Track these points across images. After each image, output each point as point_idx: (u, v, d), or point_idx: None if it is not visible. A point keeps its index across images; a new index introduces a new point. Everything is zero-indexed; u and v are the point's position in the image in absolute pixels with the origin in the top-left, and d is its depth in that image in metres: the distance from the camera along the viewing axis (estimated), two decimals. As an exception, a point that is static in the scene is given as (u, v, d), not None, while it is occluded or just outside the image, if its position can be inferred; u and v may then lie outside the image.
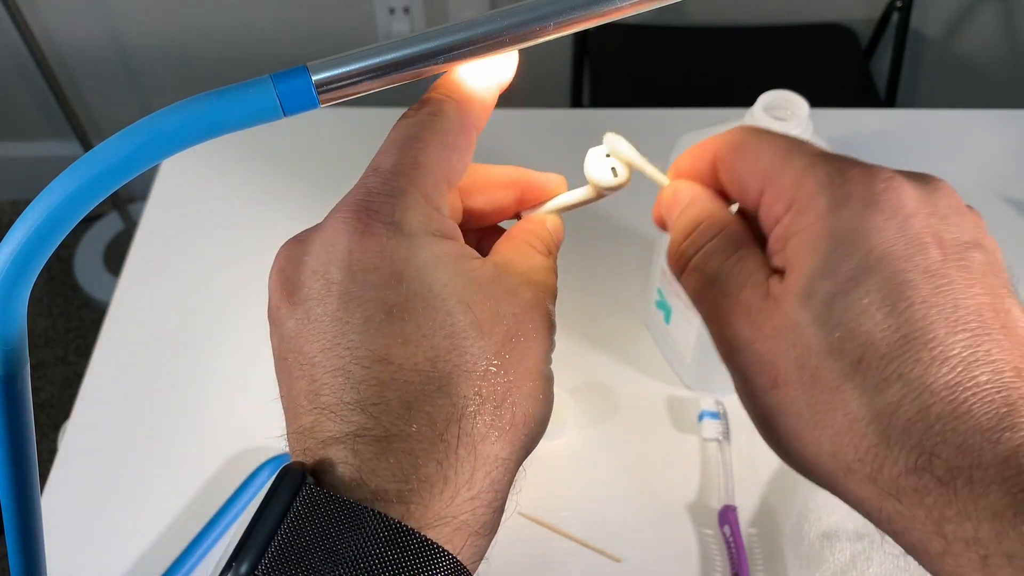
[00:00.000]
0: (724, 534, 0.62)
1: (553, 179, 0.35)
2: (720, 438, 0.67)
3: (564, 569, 0.62)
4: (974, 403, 0.23)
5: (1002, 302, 0.25)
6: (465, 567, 0.25)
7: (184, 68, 1.64)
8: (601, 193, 0.34)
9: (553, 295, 0.30)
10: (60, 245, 0.25)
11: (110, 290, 0.78)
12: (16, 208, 1.87)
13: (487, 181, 0.33)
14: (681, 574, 0.62)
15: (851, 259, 0.25)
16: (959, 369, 0.24)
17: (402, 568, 0.24)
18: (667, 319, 0.68)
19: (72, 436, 0.69)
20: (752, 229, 0.29)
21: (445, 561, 0.24)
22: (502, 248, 0.31)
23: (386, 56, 0.26)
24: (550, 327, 0.29)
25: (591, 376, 0.71)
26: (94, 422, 0.69)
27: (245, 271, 0.78)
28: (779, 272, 0.27)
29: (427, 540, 0.24)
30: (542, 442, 0.73)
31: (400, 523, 0.24)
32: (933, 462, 0.23)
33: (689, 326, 0.65)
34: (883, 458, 0.24)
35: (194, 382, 0.72)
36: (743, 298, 0.27)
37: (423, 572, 0.24)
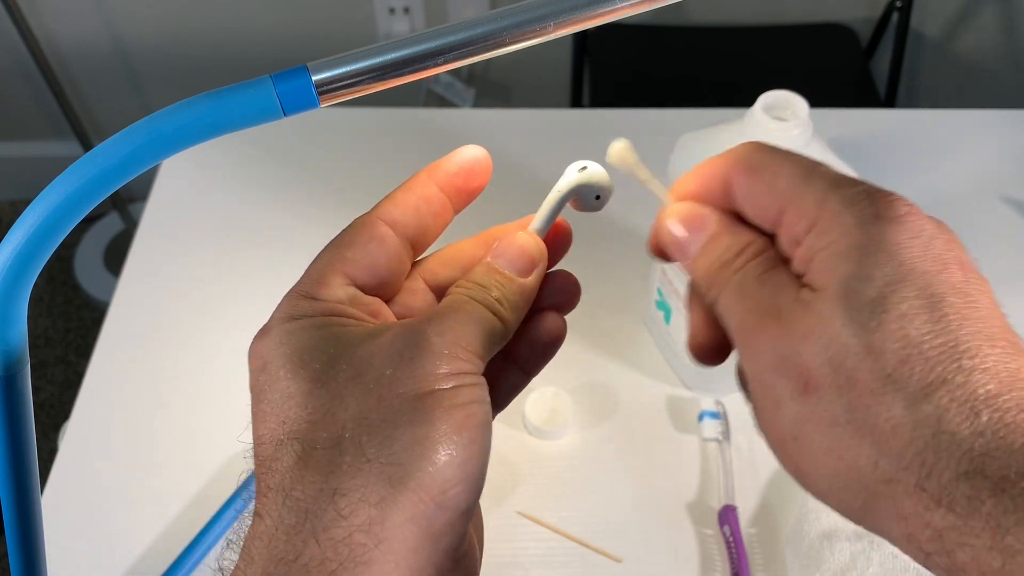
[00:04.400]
0: (724, 534, 0.62)
1: (526, 221, 0.33)
2: (720, 438, 0.67)
3: (564, 569, 0.62)
4: (1018, 414, 0.23)
5: (1010, 327, 0.26)
6: None
7: (184, 68, 1.64)
8: (576, 199, 0.33)
9: (469, 324, 0.29)
10: (60, 245, 0.25)
11: (110, 290, 0.78)
12: (16, 208, 1.87)
13: (454, 253, 0.33)
14: (681, 574, 0.62)
15: (885, 267, 0.25)
16: (998, 380, 0.24)
17: None
18: (667, 319, 0.68)
19: (72, 436, 0.69)
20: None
21: None
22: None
23: (386, 56, 0.26)
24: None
25: (591, 376, 0.71)
26: (94, 422, 0.69)
27: (245, 270, 0.78)
28: (807, 286, 0.27)
29: None
30: (543, 442, 0.73)
31: None
32: (986, 466, 0.23)
33: (689, 326, 0.65)
34: (932, 464, 0.23)
35: (194, 382, 0.72)
36: (775, 303, 0.27)
37: None
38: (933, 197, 0.83)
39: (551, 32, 0.27)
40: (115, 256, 1.75)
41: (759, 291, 0.28)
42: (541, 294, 0.32)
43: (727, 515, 0.63)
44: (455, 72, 1.60)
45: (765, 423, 0.27)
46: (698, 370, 0.68)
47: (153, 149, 0.25)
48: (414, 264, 0.33)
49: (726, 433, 0.67)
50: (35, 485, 0.32)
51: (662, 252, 0.32)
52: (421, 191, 0.31)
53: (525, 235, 0.32)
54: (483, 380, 0.28)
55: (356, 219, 0.31)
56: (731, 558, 0.61)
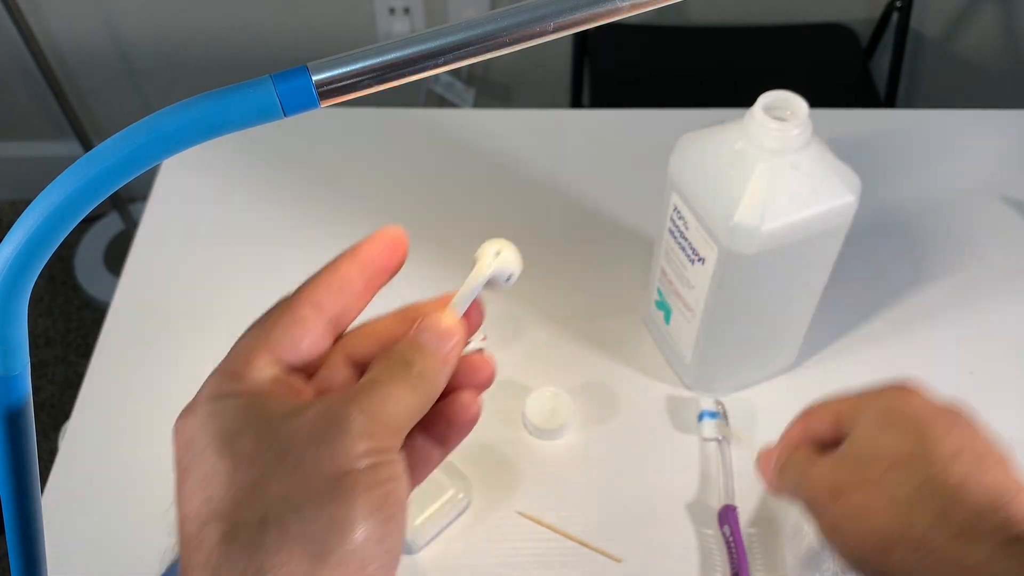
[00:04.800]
0: (724, 534, 0.62)
1: (446, 299, 0.34)
2: (720, 438, 0.67)
3: (564, 569, 0.62)
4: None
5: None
6: None
7: (185, 68, 1.64)
8: (490, 280, 0.34)
9: (384, 399, 0.30)
10: (61, 245, 0.25)
11: (111, 290, 0.78)
12: (16, 208, 1.87)
13: (374, 329, 0.35)
14: (681, 574, 0.62)
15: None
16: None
17: None
18: (667, 319, 0.69)
19: (72, 436, 0.69)
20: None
21: None
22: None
23: (386, 56, 0.26)
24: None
25: (591, 376, 0.71)
26: (94, 422, 0.69)
27: (245, 270, 0.79)
28: None
29: None
30: (543, 442, 0.73)
31: None
32: None
33: (689, 326, 0.65)
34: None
35: (194, 382, 0.71)
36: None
37: None
38: (933, 197, 0.83)
39: (551, 32, 0.27)
40: (115, 256, 1.75)
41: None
42: (457, 373, 0.33)
43: (727, 515, 0.63)
44: (455, 72, 1.60)
45: (829, 512, 0.46)
46: (698, 370, 0.68)
47: (153, 149, 0.25)
48: (336, 339, 0.34)
49: (726, 433, 0.67)
50: (35, 485, 0.32)
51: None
52: (344, 273, 0.33)
53: (446, 314, 0.33)
54: (400, 457, 0.29)
55: (280, 300, 0.32)
56: (731, 558, 0.61)
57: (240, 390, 0.30)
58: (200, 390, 0.31)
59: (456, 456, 0.42)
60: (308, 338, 0.32)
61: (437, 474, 0.48)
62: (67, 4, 1.54)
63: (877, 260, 0.78)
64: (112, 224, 1.79)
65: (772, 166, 0.55)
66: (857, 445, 0.45)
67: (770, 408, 0.69)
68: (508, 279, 0.34)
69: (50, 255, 0.25)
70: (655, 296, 0.69)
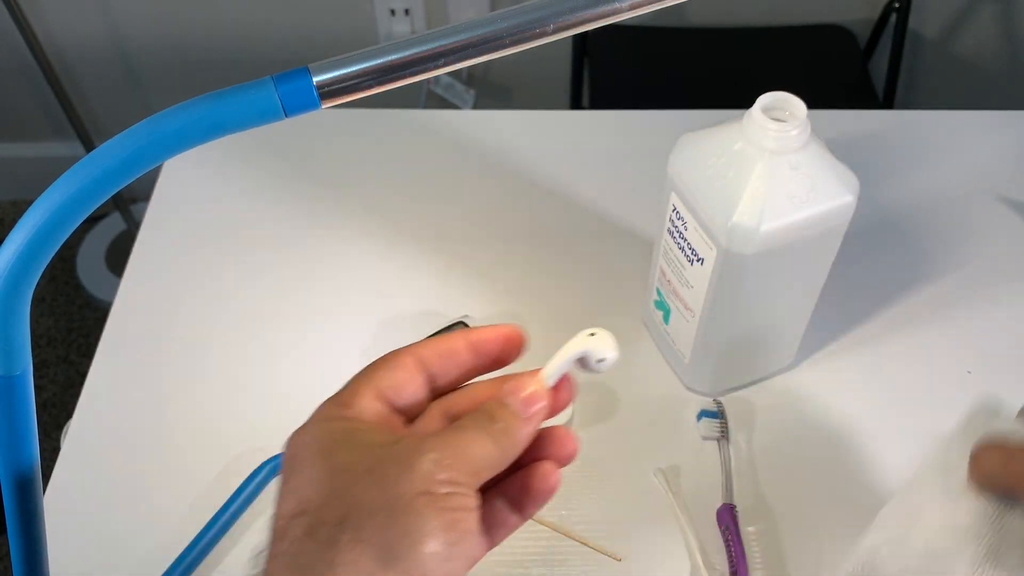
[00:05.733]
0: (722, 533, 0.62)
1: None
2: (719, 437, 0.67)
3: (564, 568, 0.62)
4: None
5: None
6: None
7: (186, 69, 1.65)
8: (582, 359, 0.37)
9: (464, 443, 0.33)
10: (63, 245, 0.26)
11: (112, 290, 0.78)
12: (18, 208, 1.88)
13: (472, 390, 0.38)
14: (681, 573, 0.62)
15: None
16: None
17: None
18: (666, 319, 0.69)
19: (74, 436, 0.69)
20: None
21: None
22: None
23: (387, 58, 0.27)
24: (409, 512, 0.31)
25: (590, 376, 0.71)
26: (96, 422, 0.70)
27: (247, 271, 0.79)
28: None
29: None
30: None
31: None
32: None
33: (688, 326, 0.65)
34: None
35: (195, 382, 0.72)
36: None
37: None
38: (932, 197, 0.83)
39: (551, 33, 0.27)
40: (117, 256, 1.75)
41: None
42: (541, 444, 0.37)
43: (725, 514, 0.63)
44: (455, 73, 1.60)
45: None
46: (697, 370, 0.69)
47: (155, 150, 0.25)
48: (437, 397, 0.38)
49: (725, 432, 0.67)
50: (37, 484, 0.32)
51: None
52: (452, 344, 0.37)
53: (534, 381, 0.36)
54: (476, 495, 0.32)
55: (392, 351, 0.37)
56: (729, 556, 0.61)
57: (347, 415, 0.34)
58: (313, 413, 0.35)
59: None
60: (408, 385, 0.36)
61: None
62: (69, 5, 1.54)
63: (876, 260, 0.79)
64: (114, 224, 1.79)
65: (771, 166, 0.55)
66: None
67: (769, 408, 0.69)
68: (600, 361, 0.36)
69: (52, 255, 0.25)
70: (654, 296, 0.70)
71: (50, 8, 1.54)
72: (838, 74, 1.48)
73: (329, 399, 0.36)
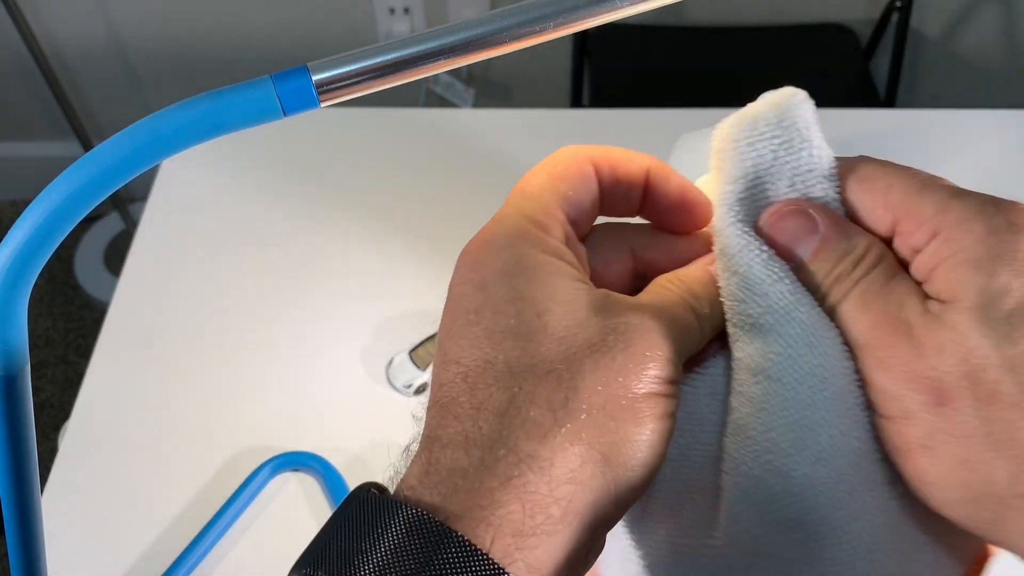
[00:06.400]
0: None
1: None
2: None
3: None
4: None
5: None
6: (497, 564, 0.24)
7: (184, 68, 1.64)
8: None
9: (680, 332, 0.28)
10: (60, 245, 0.25)
11: (110, 290, 0.78)
12: (16, 208, 1.87)
13: (662, 236, 0.32)
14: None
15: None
16: None
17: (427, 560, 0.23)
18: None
19: (72, 436, 0.69)
20: None
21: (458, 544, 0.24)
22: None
23: (386, 56, 0.26)
24: (661, 357, 0.26)
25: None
26: (94, 422, 0.69)
27: (245, 270, 0.78)
28: (933, 297, 0.27)
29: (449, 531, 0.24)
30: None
31: (424, 515, 0.24)
32: None
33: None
34: None
35: (194, 382, 0.72)
36: (902, 316, 0.26)
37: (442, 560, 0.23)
38: (933, 197, 0.83)
39: (551, 32, 0.27)
40: (115, 256, 1.75)
41: (884, 303, 0.27)
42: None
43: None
44: (455, 72, 1.60)
45: (891, 431, 0.27)
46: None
47: (153, 149, 0.25)
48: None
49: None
50: (35, 485, 0.32)
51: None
52: (641, 165, 0.30)
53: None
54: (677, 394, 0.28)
55: (566, 149, 0.30)
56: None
57: (543, 245, 0.28)
58: (499, 224, 0.29)
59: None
60: (591, 201, 0.29)
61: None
62: (67, 4, 1.54)
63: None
64: (112, 224, 1.79)
65: (772, 166, 0.55)
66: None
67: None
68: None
69: (50, 255, 0.25)
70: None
71: (48, 7, 1.54)
72: (839, 73, 1.48)
73: (516, 212, 0.28)
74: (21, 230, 0.25)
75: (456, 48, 0.27)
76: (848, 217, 0.29)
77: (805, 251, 0.29)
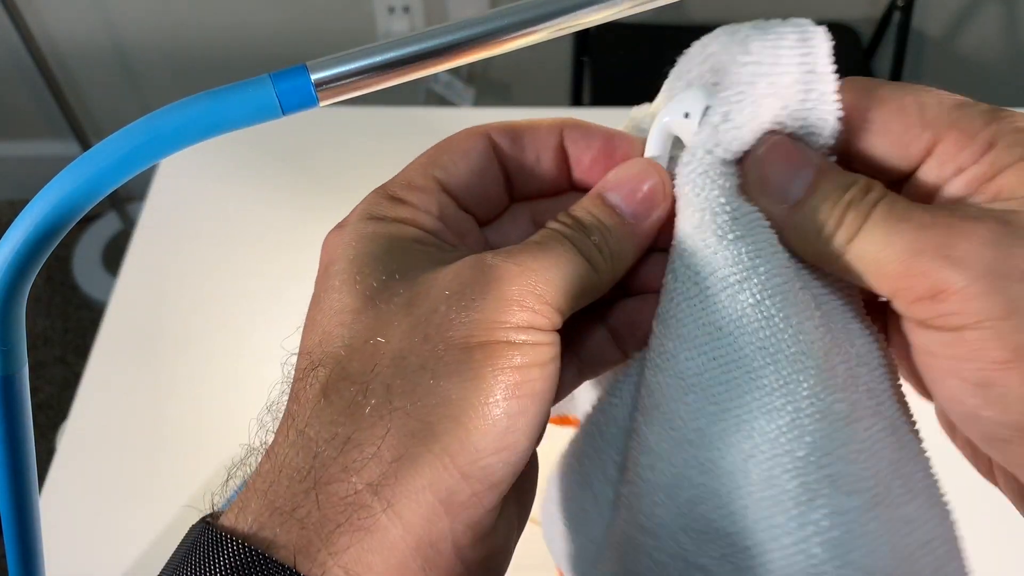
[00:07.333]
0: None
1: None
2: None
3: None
4: None
5: None
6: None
7: (183, 68, 1.64)
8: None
9: (560, 272, 0.23)
10: (58, 244, 0.25)
11: (109, 290, 0.78)
12: (15, 207, 1.87)
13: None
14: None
15: None
16: None
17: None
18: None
19: (70, 436, 0.68)
20: None
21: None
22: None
23: (385, 55, 0.26)
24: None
25: (591, 376, 0.71)
26: (93, 422, 0.69)
27: (244, 270, 0.78)
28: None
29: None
30: (544, 441, 0.72)
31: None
32: None
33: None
34: None
35: (193, 382, 0.72)
36: (953, 220, 0.22)
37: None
38: (933, 197, 0.83)
39: (551, 32, 0.27)
40: (113, 256, 1.75)
41: (922, 215, 0.22)
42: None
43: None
44: (455, 71, 1.60)
45: (960, 352, 0.22)
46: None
47: (151, 148, 0.25)
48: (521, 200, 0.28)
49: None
50: (33, 485, 0.32)
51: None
52: (552, 125, 0.27)
53: (646, 162, 0.26)
54: (555, 339, 0.23)
55: (461, 131, 0.27)
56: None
57: (396, 214, 0.25)
58: (356, 206, 0.27)
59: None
60: (483, 170, 0.27)
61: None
62: (66, 3, 1.54)
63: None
64: (110, 224, 1.78)
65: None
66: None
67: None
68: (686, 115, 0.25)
69: (48, 255, 0.25)
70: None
71: (47, 6, 1.54)
72: (840, 72, 1.48)
73: (378, 189, 0.27)
74: (19, 230, 0.25)
75: (456, 47, 0.26)
76: (863, 146, 0.25)
77: (799, 187, 0.25)
